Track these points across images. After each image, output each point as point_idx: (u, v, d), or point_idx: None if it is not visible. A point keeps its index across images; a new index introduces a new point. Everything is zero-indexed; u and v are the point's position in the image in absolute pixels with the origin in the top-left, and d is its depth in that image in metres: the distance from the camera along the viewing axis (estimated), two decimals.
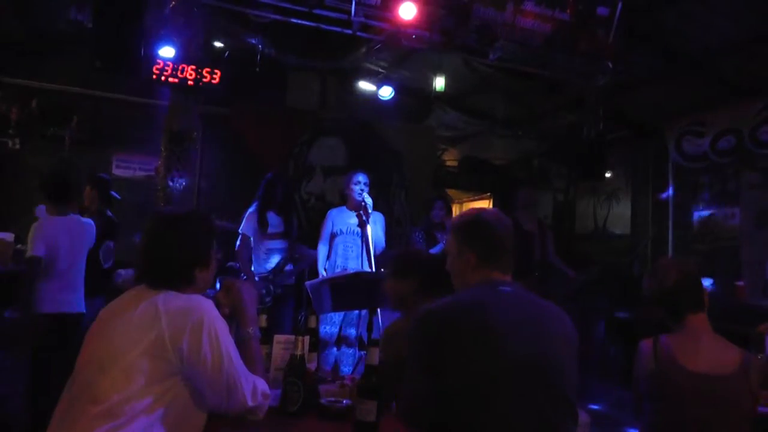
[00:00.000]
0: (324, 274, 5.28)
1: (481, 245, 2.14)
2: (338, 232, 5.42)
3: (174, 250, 2.07)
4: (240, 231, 5.39)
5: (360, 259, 5.28)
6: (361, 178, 5.36)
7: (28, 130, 7.35)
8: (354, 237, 5.37)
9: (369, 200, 5.22)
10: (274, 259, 5.46)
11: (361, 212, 5.21)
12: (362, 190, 5.27)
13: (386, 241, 5.58)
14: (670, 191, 8.38)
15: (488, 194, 10.59)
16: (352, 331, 5.36)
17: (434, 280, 2.66)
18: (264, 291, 5.26)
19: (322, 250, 5.44)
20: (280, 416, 2.24)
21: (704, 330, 2.30)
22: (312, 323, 2.91)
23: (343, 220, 5.43)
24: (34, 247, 4.29)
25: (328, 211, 5.64)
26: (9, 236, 5.60)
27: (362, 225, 5.25)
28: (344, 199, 5.61)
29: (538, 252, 6.13)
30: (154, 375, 1.85)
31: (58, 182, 4.63)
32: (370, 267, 5.03)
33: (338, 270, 5.26)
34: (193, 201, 7.58)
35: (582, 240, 9.79)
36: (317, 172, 8.19)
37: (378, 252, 5.29)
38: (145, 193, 7.25)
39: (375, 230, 5.29)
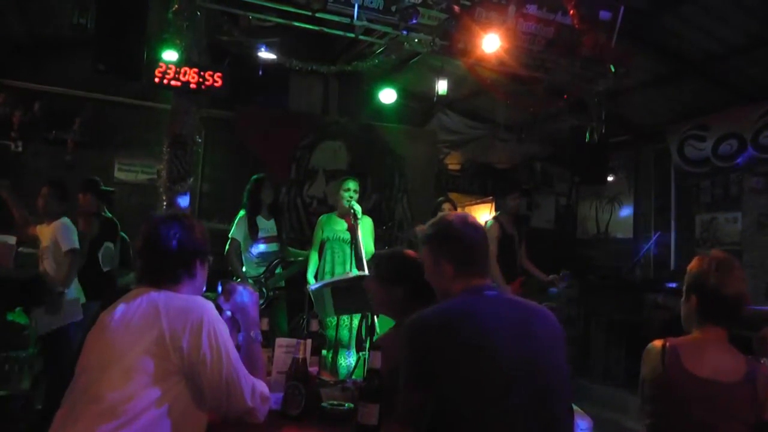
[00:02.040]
0: (313, 281, 5.30)
1: (455, 254, 2.16)
2: (327, 239, 5.48)
3: (175, 244, 2.10)
4: (230, 236, 5.45)
5: (346, 264, 5.33)
6: (351, 185, 5.39)
7: (30, 133, 7.37)
8: (341, 243, 5.43)
9: (357, 207, 5.25)
10: (266, 263, 5.51)
11: (351, 219, 5.25)
12: (351, 197, 5.31)
13: (388, 245, 5.62)
14: (672, 195, 8.39)
15: (490, 198, 10.58)
16: (346, 333, 5.38)
17: (423, 288, 2.60)
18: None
19: (313, 257, 5.48)
20: (282, 419, 2.24)
21: (717, 340, 2.29)
22: (314, 327, 2.91)
23: (332, 226, 5.50)
24: (71, 241, 4.77)
25: (319, 218, 5.68)
26: (11, 239, 5.61)
27: (351, 231, 5.28)
28: (335, 205, 5.66)
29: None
30: (155, 374, 1.86)
31: (62, 186, 5.04)
32: (359, 272, 5.05)
33: (327, 276, 5.31)
34: (195, 204, 7.59)
35: (584, 244, 9.79)
36: (319, 176, 8.19)
37: (368, 257, 5.31)
38: (148, 196, 7.26)
39: (363, 236, 5.32)
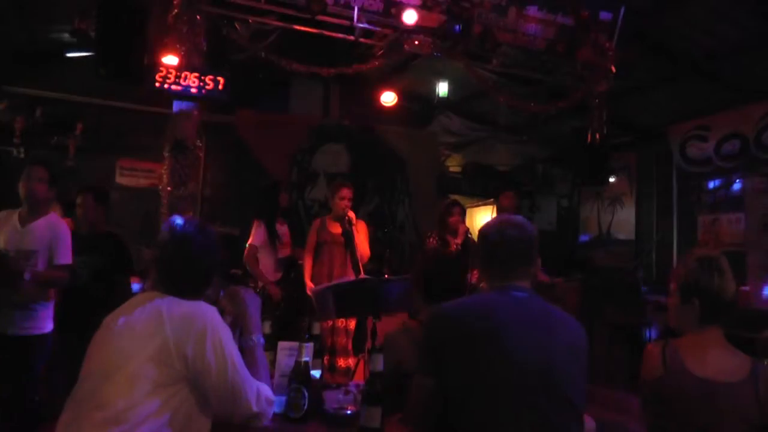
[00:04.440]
0: (311, 284, 5.31)
1: (481, 255, 2.21)
2: (323, 242, 5.47)
3: (202, 260, 2.11)
4: (248, 243, 5.57)
5: (344, 266, 5.34)
6: (346, 193, 5.40)
7: (32, 139, 7.37)
8: (338, 246, 5.43)
9: (352, 214, 5.35)
10: (283, 267, 5.69)
11: (346, 224, 5.28)
12: (346, 206, 5.33)
13: (390, 248, 5.65)
14: (674, 196, 8.37)
15: (492, 200, 10.57)
16: (342, 337, 5.40)
17: (433, 288, 2.63)
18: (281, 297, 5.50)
19: (307, 261, 5.49)
20: (285, 422, 2.24)
21: (716, 340, 2.29)
22: (316, 330, 2.91)
23: (327, 229, 5.49)
24: None
25: (313, 222, 5.71)
26: None
27: (346, 234, 5.30)
28: (329, 208, 5.68)
29: None
30: (159, 381, 1.86)
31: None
32: (356, 275, 5.06)
33: (324, 279, 5.31)
34: (197, 209, 7.59)
35: (586, 245, 9.77)
36: (321, 179, 8.20)
37: (364, 260, 5.33)
38: (149, 201, 7.26)
39: (359, 240, 5.34)
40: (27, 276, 3.65)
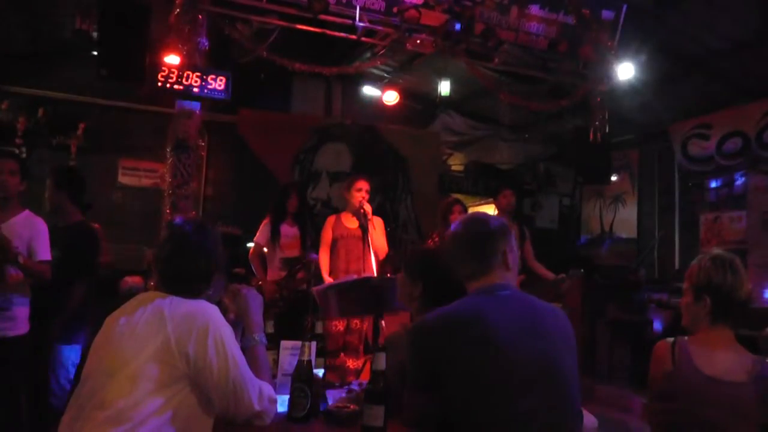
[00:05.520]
0: (329, 279, 5.29)
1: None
2: (339, 237, 5.45)
3: (200, 259, 2.11)
4: (253, 241, 5.65)
5: (361, 261, 5.28)
6: (363, 185, 5.36)
7: (34, 139, 7.38)
8: (355, 240, 5.38)
9: (368, 207, 5.26)
10: (288, 268, 5.65)
11: (362, 218, 5.24)
12: (363, 197, 5.30)
13: (392, 246, 5.63)
14: (676, 194, 8.37)
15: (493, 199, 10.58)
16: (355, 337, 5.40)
17: (439, 289, 2.57)
18: (277, 295, 5.49)
19: (323, 256, 5.47)
20: (287, 422, 2.25)
21: (726, 339, 2.29)
22: (319, 329, 2.91)
23: (343, 224, 5.47)
24: None
25: (327, 218, 5.69)
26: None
27: (363, 229, 5.27)
28: (345, 203, 5.66)
29: None
30: (161, 380, 1.86)
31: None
32: (373, 271, 5.03)
33: (341, 274, 5.28)
34: (199, 208, 7.60)
35: (588, 244, 9.77)
36: (323, 178, 8.20)
37: (381, 257, 5.31)
38: (151, 200, 7.27)
39: (376, 235, 5.30)
40: (21, 260, 3.52)
